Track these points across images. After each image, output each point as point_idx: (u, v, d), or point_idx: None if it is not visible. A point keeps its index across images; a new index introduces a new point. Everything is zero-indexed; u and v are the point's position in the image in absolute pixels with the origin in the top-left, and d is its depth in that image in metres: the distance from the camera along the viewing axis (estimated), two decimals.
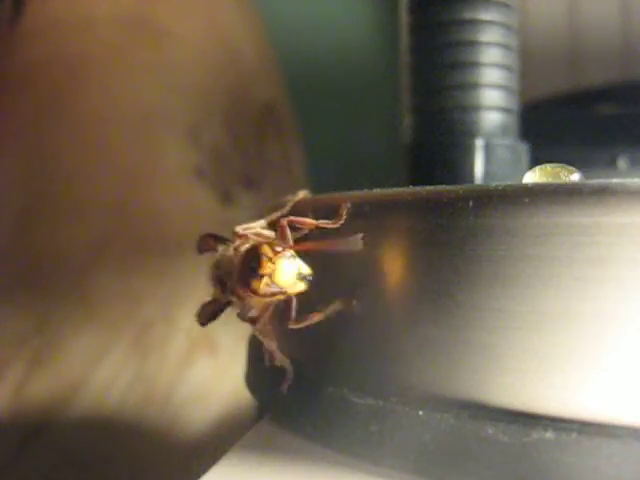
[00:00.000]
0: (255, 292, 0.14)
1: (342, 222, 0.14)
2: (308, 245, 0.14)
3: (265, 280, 0.14)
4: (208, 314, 0.18)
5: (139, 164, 0.34)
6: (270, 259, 0.14)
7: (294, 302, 0.14)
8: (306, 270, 0.14)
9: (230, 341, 0.32)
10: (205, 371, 0.32)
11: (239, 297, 0.15)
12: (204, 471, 0.15)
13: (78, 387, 0.30)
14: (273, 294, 0.14)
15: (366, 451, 0.14)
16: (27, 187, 0.33)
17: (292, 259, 0.14)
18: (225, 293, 0.16)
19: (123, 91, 0.34)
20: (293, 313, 0.14)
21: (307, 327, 0.14)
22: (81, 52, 0.34)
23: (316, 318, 0.14)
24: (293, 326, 0.14)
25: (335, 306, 0.14)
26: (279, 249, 0.14)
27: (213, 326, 0.18)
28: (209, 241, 0.18)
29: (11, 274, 0.32)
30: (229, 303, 0.17)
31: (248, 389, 0.19)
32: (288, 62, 0.43)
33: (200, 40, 0.37)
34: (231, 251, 0.16)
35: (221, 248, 0.16)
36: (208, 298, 0.18)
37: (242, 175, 0.36)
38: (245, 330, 0.21)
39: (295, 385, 0.16)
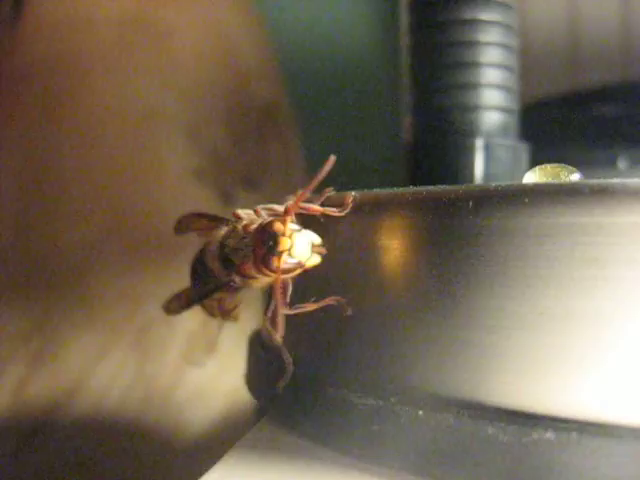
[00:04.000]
0: (275, 270, 0.14)
1: (347, 211, 0.15)
2: (300, 196, 0.15)
3: (284, 257, 0.14)
4: (183, 303, 0.18)
5: (139, 164, 0.34)
6: (284, 234, 0.14)
7: (290, 288, 0.15)
8: (317, 239, 0.15)
9: (230, 341, 0.32)
10: (205, 371, 0.32)
11: (246, 276, 0.15)
12: (204, 471, 0.15)
13: (78, 387, 0.30)
14: (292, 270, 0.14)
15: (366, 451, 0.14)
16: (27, 187, 0.33)
17: (304, 231, 0.15)
18: (228, 270, 0.16)
19: (123, 91, 0.34)
20: (288, 299, 0.15)
21: (303, 322, 0.14)
22: (81, 52, 0.34)
23: (309, 308, 0.15)
24: (287, 312, 0.15)
25: (328, 300, 0.15)
26: (290, 225, 0.15)
27: (213, 326, 0.18)
28: (192, 220, 0.18)
29: (11, 274, 0.32)
30: (217, 288, 0.17)
31: (248, 389, 0.19)
32: (288, 62, 0.43)
33: (200, 40, 0.37)
34: (240, 229, 0.16)
35: (223, 227, 0.16)
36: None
37: (242, 175, 0.36)
38: (245, 330, 0.21)
39: (295, 385, 0.16)
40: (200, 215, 0.18)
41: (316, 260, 0.15)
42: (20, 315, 0.31)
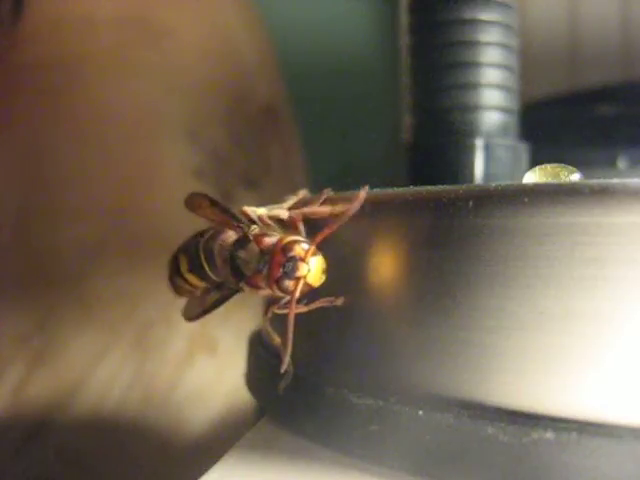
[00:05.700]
0: (289, 293, 0.14)
1: (356, 209, 0.14)
2: (325, 232, 0.14)
3: (301, 281, 0.14)
4: (201, 308, 0.18)
5: (139, 164, 0.34)
6: (303, 260, 0.14)
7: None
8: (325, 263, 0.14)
9: (230, 341, 0.32)
10: (205, 371, 0.32)
11: (255, 287, 0.15)
12: (204, 471, 0.15)
13: (78, 387, 0.30)
14: (303, 291, 0.14)
15: (366, 451, 0.14)
16: (26, 187, 0.33)
17: (319, 256, 0.14)
18: (237, 279, 0.16)
19: (123, 91, 0.34)
20: (282, 301, 0.15)
21: (302, 322, 0.14)
22: (81, 53, 0.34)
23: (301, 309, 0.15)
24: (277, 311, 0.15)
25: (319, 302, 0.15)
26: (306, 246, 0.14)
27: (213, 326, 0.18)
28: (202, 205, 0.17)
29: (11, 274, 0.32)
30: (230, 296, 0.17)
31: (248, 389, 0.19)
32: (288, 62, 0.43)
33: (201, 41, 0.37)
34: (251, 240, 0.15)
35: (233, 227, 0.16)
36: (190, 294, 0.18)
37: (242, 175, 0.36)
38: (245, 330, 0.21)
39: (295, 385, 0.16)
40: (212, 201, 0.17)
41: (322, 281, 0.14)
42: (20, 315, 0.31)
